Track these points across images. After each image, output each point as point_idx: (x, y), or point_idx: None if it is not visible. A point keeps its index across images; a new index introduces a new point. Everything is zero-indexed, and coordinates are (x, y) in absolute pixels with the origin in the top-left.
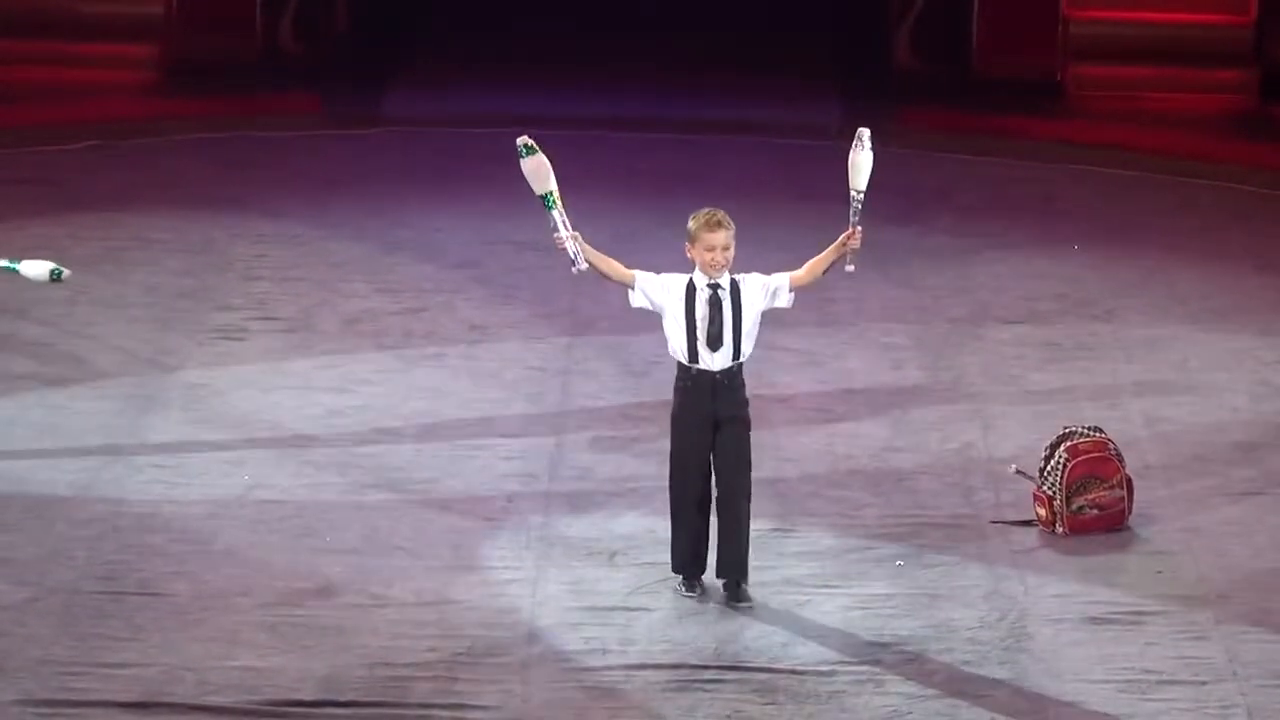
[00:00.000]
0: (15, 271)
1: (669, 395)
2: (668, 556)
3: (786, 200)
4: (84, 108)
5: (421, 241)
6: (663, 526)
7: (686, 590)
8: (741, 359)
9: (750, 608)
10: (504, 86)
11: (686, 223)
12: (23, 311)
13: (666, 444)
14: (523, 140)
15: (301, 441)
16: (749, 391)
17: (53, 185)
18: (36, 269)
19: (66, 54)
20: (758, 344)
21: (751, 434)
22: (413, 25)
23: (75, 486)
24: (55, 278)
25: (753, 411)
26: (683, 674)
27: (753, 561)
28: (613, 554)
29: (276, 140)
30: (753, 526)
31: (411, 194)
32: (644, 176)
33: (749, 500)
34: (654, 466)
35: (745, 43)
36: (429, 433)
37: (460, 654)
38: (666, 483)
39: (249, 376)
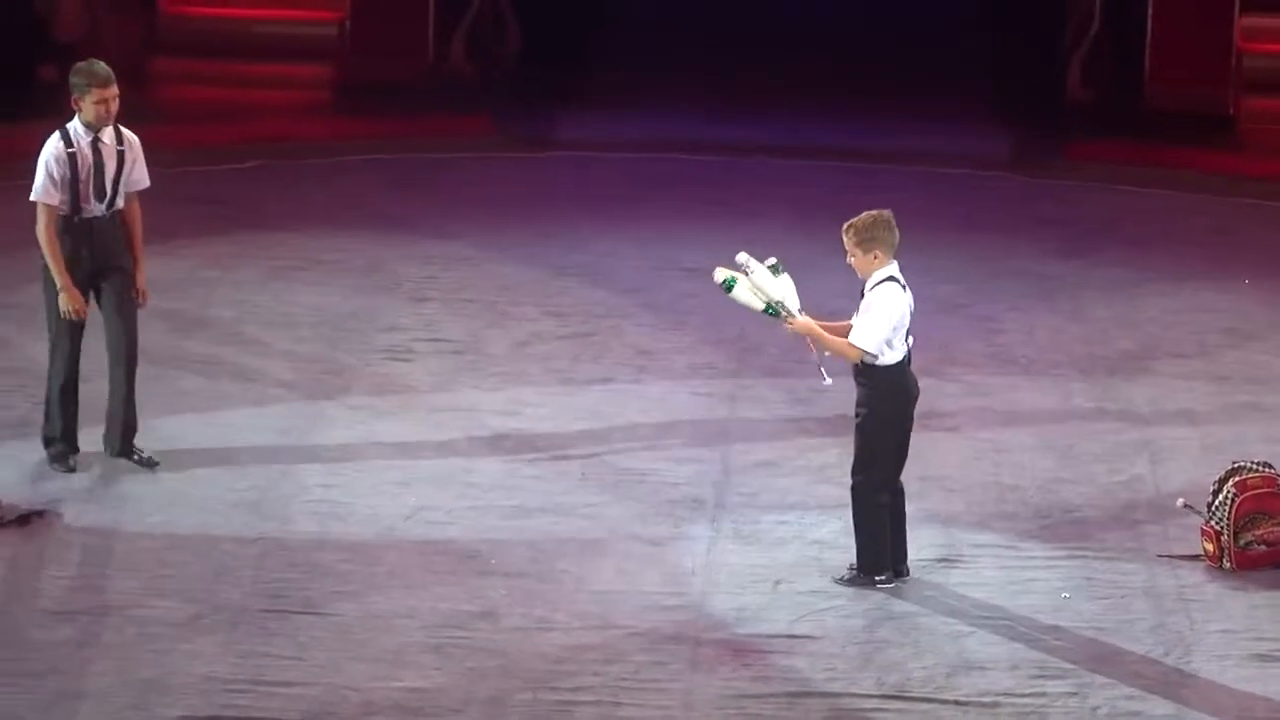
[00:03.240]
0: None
1: (836, 422)
2: (831, 585)
3: (953, 230)
4: (256, 127)
5: (591, 265)
6: (829, 554)
7: (891, 579)
8: None
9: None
10: (673, 111)
11: (891, 232)
12: (191, 330)
13: (834, 471)
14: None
15: (468, 463)
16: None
17: (223, 204)
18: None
19: (239, 74)
20: (928, 373)
21: (919, 465)
22: (585, 48)
23: (242, 505)
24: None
25: (921, 443)
26: (845, 703)
27: (916, 590)
28: (777, 581)
29: (447, 161)
30: (918, 556)
31: (581, 217)
32: (808, 204)
33: None
34: (819, 494)
35: (914, 72)
36: (595, 457)
37: (624, 679)
38: (838, 507)
39: (416, 398)
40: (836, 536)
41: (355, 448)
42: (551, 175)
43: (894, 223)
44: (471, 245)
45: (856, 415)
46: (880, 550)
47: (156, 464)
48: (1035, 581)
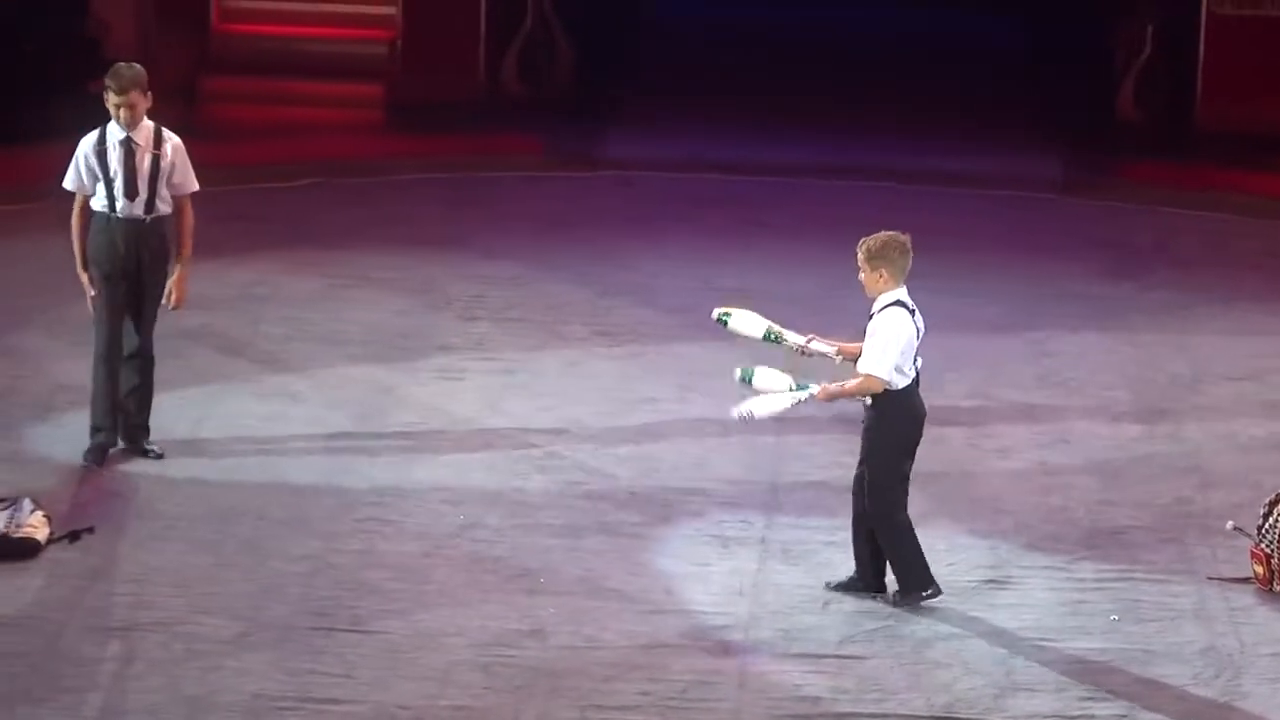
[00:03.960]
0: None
1: None
2: (882, 605)
3: (1003, 252)
4: (308, 146)
5: (640, 285)
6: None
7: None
8: None
9: None
10: (722, 132)
11: (905, 257)
12: (242, 348)
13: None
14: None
15: (517, 482)
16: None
17: (276, 222)
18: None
19: (291, 93)
20: (976, 395)
21: (968, 486)
22: (635, 69)
23: (290, 522)
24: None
25: (970, 463)
26: None
27: (966, 612)
28: (825, 602)
29: (498, 180)
30: (967, 577)
31: (630, 237)
32: (855, 225)
33: None
34: None
35: (966, 93)
36: (645, 477)
37: (671, 698)
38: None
39: (466, 416)
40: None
41: (404, 466)
42: (600, 195)
43: (909, 247)
44: (521, 264)
45: (866, 440)
46: (916, 567)
47: (160, 455)
48: (1084, 603)
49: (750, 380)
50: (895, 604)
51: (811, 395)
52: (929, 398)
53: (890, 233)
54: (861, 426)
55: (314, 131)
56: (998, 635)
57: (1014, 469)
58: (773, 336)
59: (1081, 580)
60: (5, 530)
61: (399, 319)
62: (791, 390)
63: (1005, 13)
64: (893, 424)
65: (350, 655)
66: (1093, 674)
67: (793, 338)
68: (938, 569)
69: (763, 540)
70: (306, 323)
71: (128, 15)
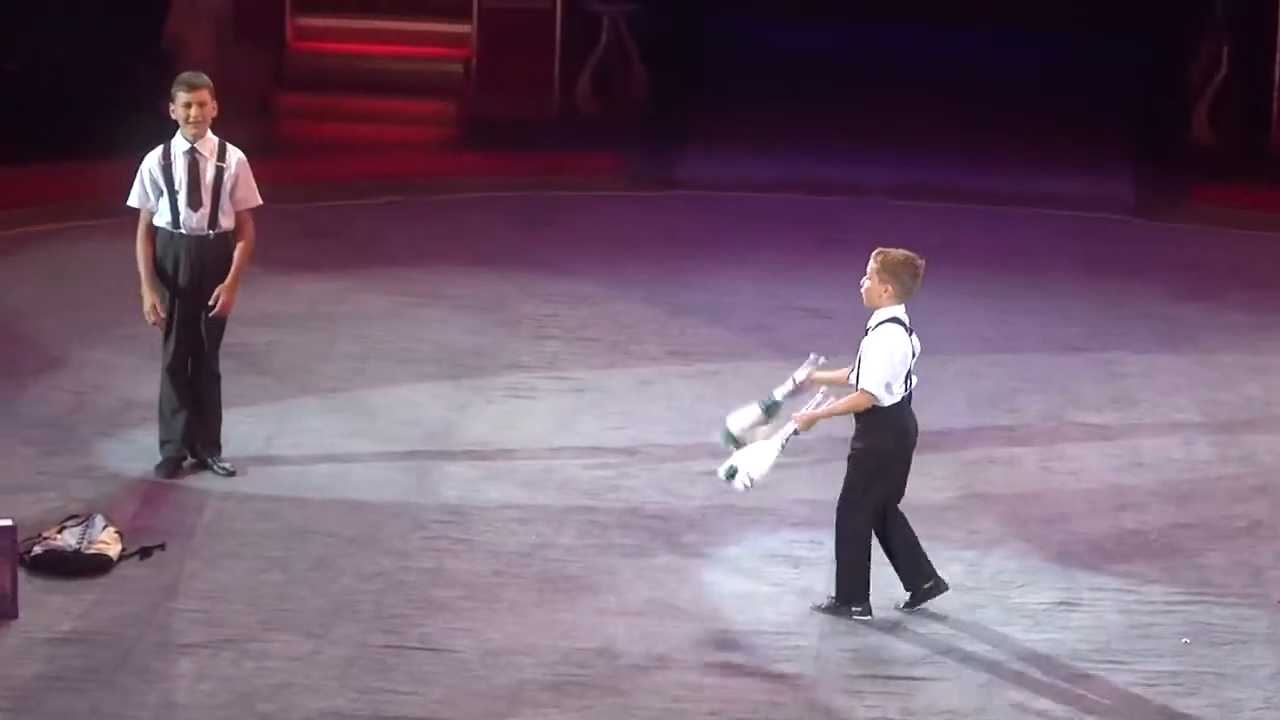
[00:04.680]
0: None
1: (958, 468)
2: (952, 626)
3: (1077, 273)
4: (382, 163)
5: (712, 304)
6: (952, 596)
7: (868, 612)
8: None
9: None
10: (794, 152)
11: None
12: (315, 365)
13: (953, 515)
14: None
15: (588, 501)
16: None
17: (349, 239)
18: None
19: (366, 110)
20: (1050, 416)
21: (1040, 507)
22: (709, 89)
23: (361, 540)
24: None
25: (1043, 485)
26: None
27: (1037, 634)
28: (895, 623)
29: (571, 200)
30: (1038, 599)
31: (703, 256)
32: (927, 246)
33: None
34: (940, 536)
35: (1039, 114)
36: (716, 496)
37: (741, 719)
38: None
39: (538, 435)
40: (957, 578)
41: (476, 483)
42: (673, 214)
43: (921, 273)
44: (594, 283)
45: (851, 449)
46: (856, 581)
47: (232, 472)
48: (1155, 625)
49: (734, 438)
50: (826, 610)
51: (795, 431)
52: (1002, 418)
53: (909, 252)
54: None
55: (388, 149)
56: (1069, 656)
57: (1086, 490)
58: (769, 406)
59: (1153, 603)
60: (77, 547)
61: (471, 337)
62: (774, 428)
63: (1080, 34)
64: (880, 438)
65: (420, 673)
66: (1164, 697)
67: (781, 391)
68: (1009, 591)
69: (834, 561)
70: (378, 340)
71: (204, 32)
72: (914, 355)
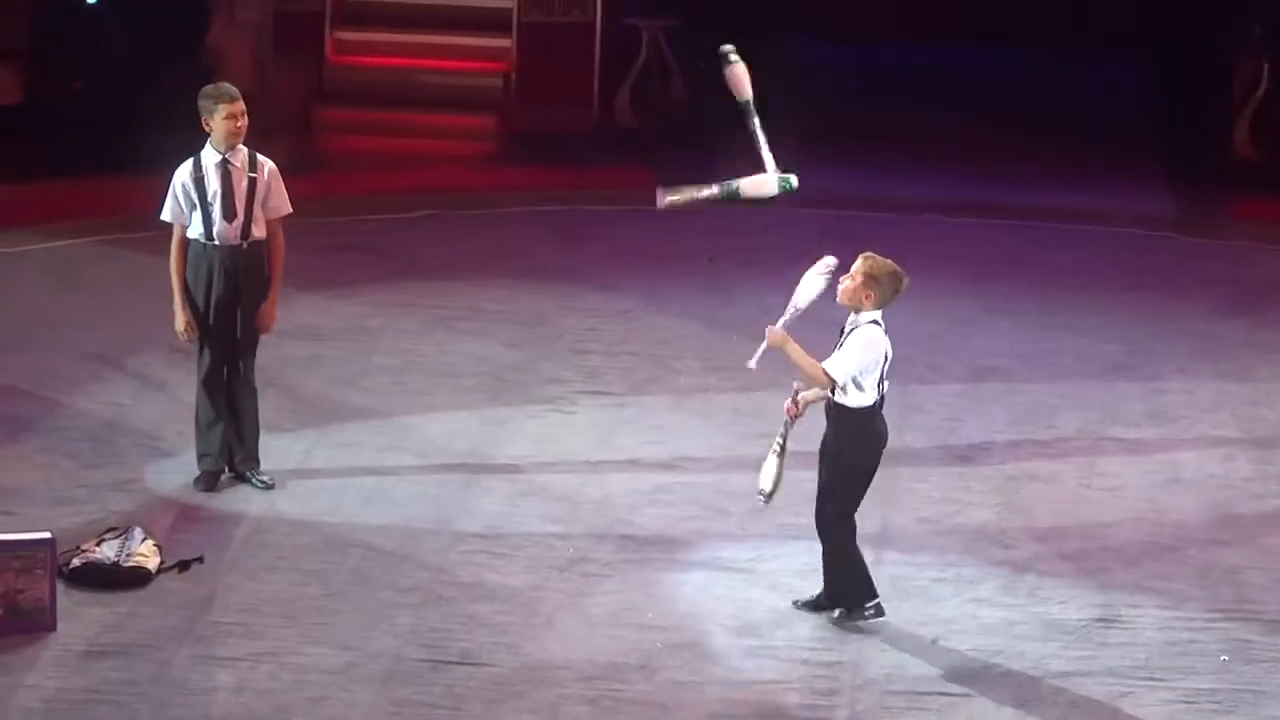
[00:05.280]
0: (737, 194)
1: (1000, 482)
2: (990, 643)
3: (1118, 289)
4: (422, 177)
5: (752, 320)
6: (987, 612)
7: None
8: None
9: None
10: (835, 167)
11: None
12: (355, 379)
13: (992, 530)
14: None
15: (627, 516)
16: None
17: (389, 253)
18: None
19: (406, 124)
20: (1089, 432)
21: (1079, 524)
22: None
23: (400, 554)
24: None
25: (1082, 501)
26: None
27: (1075, 650)
28: (934, 639)
29: (611, 214)
30: (1077, 615)
31: (742, 272)
32: (973, 262)
33: None
34: (978, 551)
35: (1080, 129)
36: (756, 512)
37: None
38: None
39: (577, 449)
40: (995, 594)
41: (514, 498)
42: (712, 228)
43: (904, 287)
44: (633, 298)
45: (821, 450)
46: (860, 581)
47: (270, 485)
48: (1194, 643)
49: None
50: (838, 620)
51: (785, 428)
52: (1040, 434)
53: (896, 266)
54: (819, 451)
55: (427, 163)
56: (1107, 674)
57: (1125, 507)
58: (779, 445)
59: (1191, 620)
60: (116, 559)
61: (510, 352)
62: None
63: (1122, 49)
64: (852, 440)
65: (459, 688)
66: (1203, 714)
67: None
68: (1047, 606)
69: (873, 575)
70: (418, 354)
71: (244, 47)
72: (888, 358)
